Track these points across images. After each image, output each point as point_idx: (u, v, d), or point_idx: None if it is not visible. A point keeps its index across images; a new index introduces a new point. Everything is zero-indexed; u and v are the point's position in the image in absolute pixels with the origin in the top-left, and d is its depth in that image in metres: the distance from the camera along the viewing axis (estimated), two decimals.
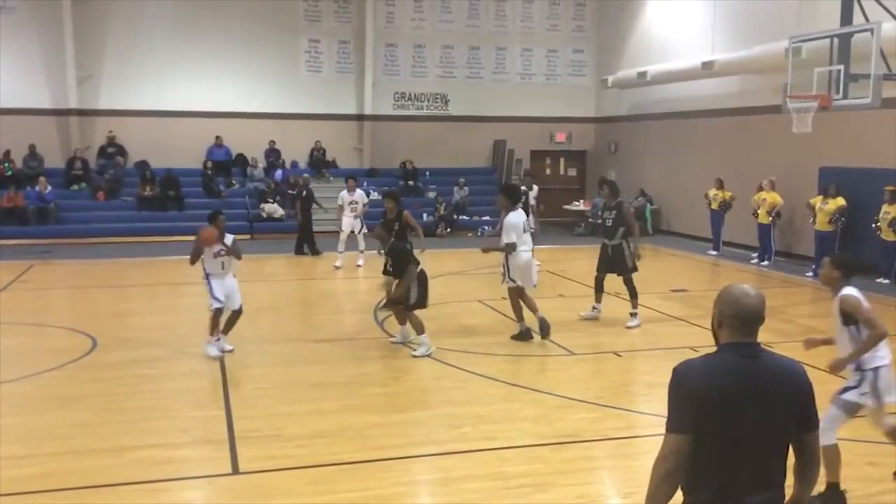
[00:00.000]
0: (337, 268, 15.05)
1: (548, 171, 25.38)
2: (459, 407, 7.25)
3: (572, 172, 25.61)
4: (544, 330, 9.51)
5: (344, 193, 15.51)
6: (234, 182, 21.76)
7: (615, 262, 10.52)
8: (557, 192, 24.52)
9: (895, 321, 10.84)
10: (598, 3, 24.55)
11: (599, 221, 11.06)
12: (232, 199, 21.04)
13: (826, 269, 5.32)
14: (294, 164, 22.54)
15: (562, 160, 25.55)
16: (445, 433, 6.59)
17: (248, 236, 19.80)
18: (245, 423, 6.74)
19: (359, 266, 14.99)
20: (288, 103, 22.41)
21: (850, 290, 5.21)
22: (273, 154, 22.43)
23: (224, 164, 21.97)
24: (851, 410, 5.21)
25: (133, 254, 16.90)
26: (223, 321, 8.90)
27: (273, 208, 20.59)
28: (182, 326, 10.48)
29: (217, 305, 8.72)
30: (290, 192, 20.63)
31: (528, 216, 14.56)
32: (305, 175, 19.06)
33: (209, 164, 21.51)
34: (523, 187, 14.85)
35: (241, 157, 22.31)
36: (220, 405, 7.26)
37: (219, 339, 8.85)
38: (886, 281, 13.39)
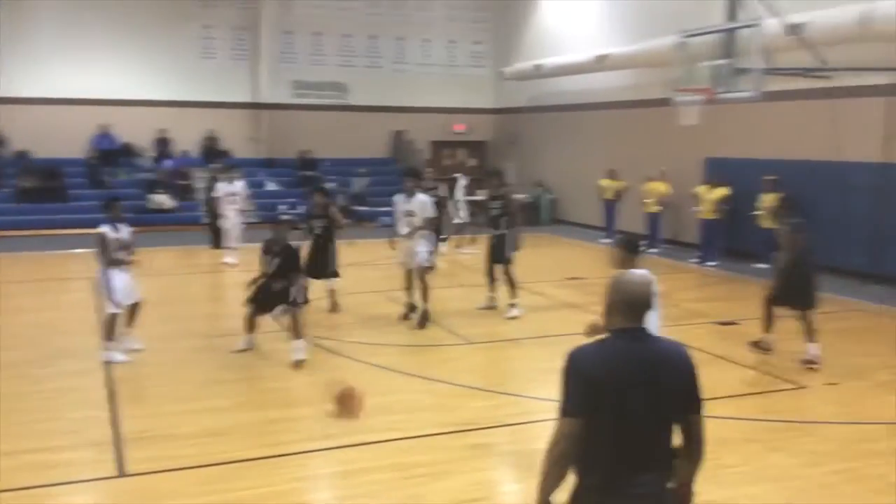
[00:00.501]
0: (228, 264, 14.39)
1: (448, 162, 25.50)
2: None
3: (472, 163, 25.81)
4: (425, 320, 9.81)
5: (222, 184, 14.82)
6: (121, 172, 20.90)
7: (498, 252, 10.62)
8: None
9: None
10: None
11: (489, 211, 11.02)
12: (119, 190, 20.21)
13: (613, 250, 5.68)
14: (185, 154, 21.85)
15: (462, 151, 25.71)
16: (344, 426, 6.53)
17: (135, 229, 19.05)
18: (133, 423, 6.50)
19: (227, 262, 14.33)
20: (179, 91, 21.66)
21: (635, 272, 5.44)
22: (163, 143, 21.66)
23: (111, 154, 21.07)
24: None
25: (14, 248, 16.00)
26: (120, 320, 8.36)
27: (162, 199, 19.87)
28: (67, 324, 10.03)
29: (115, 310, 8.12)
30: (181, 182, 20.09)
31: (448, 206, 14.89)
32: (214, 167, 18.32)
33: (95, 154, 20.58)
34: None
35: (128, 146, 21.47)
36: (106, 406, 6.97)
37: (115, 342, 8.25)
38: (767, 266, 14.05)
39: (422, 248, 9.87)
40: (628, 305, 3.00)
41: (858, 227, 13.31)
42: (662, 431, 2.97)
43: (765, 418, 6.73)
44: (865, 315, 10.85)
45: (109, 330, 8.19)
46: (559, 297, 11.75)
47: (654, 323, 5.65)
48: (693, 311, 10.99)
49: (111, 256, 8.19)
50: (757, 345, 8.50)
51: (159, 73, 21.50)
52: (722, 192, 14.77)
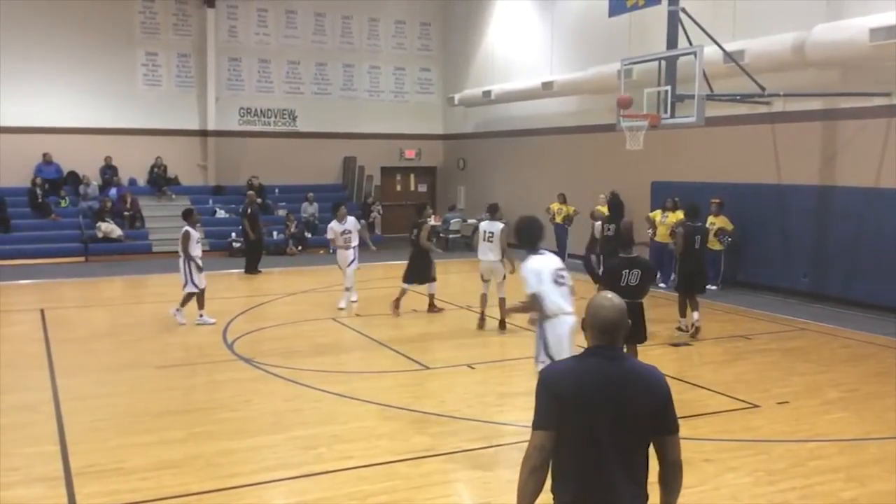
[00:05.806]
0: (342, 309, 12.93)
1: (398, 188, 25.57)
2: (314, 428, 7.11)
3: (422, 188, 25.91)
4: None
5: (334, 224, 13.52)
6: (65, 200, 20.43)
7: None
8: (408, 208, 24.75)
9: (720, 325, 11.69)
10: (443, 24, 25.03)
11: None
12: (64, 220, 19.80)
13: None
14: (132, 182, 21.51)
15: (412, 176, 25.80)
16: (300, 456, 6.43)
17: (82, 258, 18.70)
18: (82, 457, 6.30)
19: (353, 302, 13.31)
20: (124, 118, 21.35)
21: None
22: (109, 171, 21.27)
23: (55, 183, 20.62)
24: None
25: None
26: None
27: (110, 228, 19.48)
28: (12, 357, 9.68)
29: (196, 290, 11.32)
30: (126, 212, 19.88)
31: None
32: (251, 192, 17.90)
33: (38, 182, 20.12)
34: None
35: (73, 174, 21.03)
36: (54, 439, 6.76)
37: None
38: (714, 287, 14.32)
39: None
40: (598, 327, 3.06)
41: (800, 248, 13.68)
42: (633, 451, 2.98)
43: (719, 438, 6.83)
44: (812, 334, 11.11)
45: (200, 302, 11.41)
46: (516, 322, 11.76)
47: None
48: (651, 333, 11.08)
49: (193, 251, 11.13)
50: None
51: (104, 100, 21.17)
52: (678, 215, 14.88)
